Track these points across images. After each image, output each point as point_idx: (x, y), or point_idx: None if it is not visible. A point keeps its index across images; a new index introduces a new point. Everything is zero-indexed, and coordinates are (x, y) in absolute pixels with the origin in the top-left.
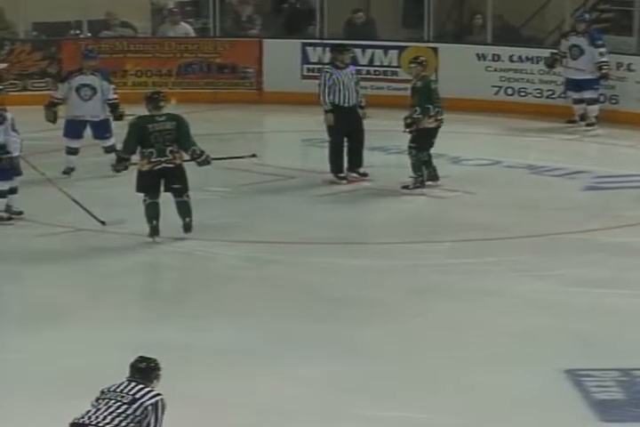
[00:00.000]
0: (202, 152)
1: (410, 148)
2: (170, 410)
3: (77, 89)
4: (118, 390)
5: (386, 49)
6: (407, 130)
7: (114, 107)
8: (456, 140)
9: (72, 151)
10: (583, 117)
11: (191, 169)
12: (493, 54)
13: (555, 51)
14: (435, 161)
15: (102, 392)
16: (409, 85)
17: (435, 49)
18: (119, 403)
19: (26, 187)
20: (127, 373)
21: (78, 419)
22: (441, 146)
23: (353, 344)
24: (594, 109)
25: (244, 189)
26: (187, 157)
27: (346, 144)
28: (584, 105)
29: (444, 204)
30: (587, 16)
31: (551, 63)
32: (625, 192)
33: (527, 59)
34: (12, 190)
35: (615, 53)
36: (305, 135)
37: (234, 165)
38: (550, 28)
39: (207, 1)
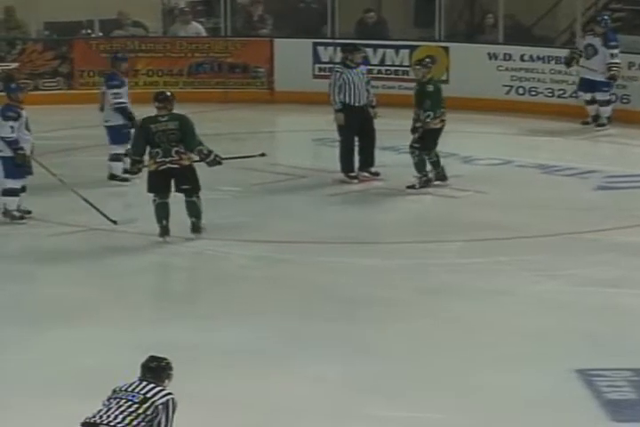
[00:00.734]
0: (209, 152)
1: (412, 147)
2: (180, 409)
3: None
4: (130, 389)
5: (397, 48)
6: (414, 135)
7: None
8: (467, 140)
9: (118, 158)
10: (595, 118)
11: (202, 168)
12: (505, 54)
13: (574, 49)
14: (446, 160)
15: (114, 391)
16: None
17: (446, 48)
18: (130, 402)
19: (36, 186)
20: (138, 372)
21: (90, 418)
22: (452, 145)
23: (364, 344)
24: (606, 111)
25: (255, 189)
26: (196, 157)
27: (357, 143)
28: (596, 106)
29: (456, 203)
30: (607, 18)
31: (569, 61)
32: (637, 192)
33: (538, 58)
34: (22, 189)
35: (627, 53)
36: (316, 135)
37: (245, 165)
38: (562, 28)
39: (218, 1)
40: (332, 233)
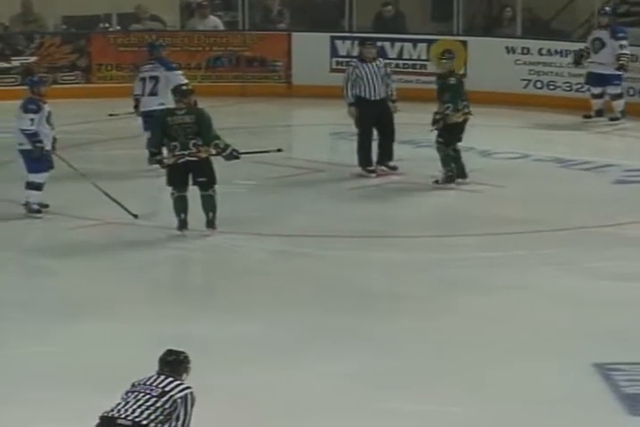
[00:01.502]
0: (226, 146)
1: (438, 142)
2: (197, 403)
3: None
4: (148, 383)
5: (415, 42)
6: (433, 127)
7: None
8: (485, 134)
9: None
10: (599, 113)
11: (219, 162)
12: (523, 47)
13: (583, 47)
14: (463, 154)
15: (133, 385)
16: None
17: (464, 42)
18: (148, 396)
19: (55, 180)
20: (157, 366)
21: (108, 412)
22: (470, 139)
23: (379, 338)
24: (619, 104)
25: (272, 183)
26: (213, 151)
27: (376, 137)
28: (602, 100)
29: (473, 197)
30: (607, 9)
31: (578, 59)
32: None
33: (556, 52)
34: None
35: None
36: (333, 128)
37: (262, 159)
38: (580, 22)
39: None
40: (349, 227)
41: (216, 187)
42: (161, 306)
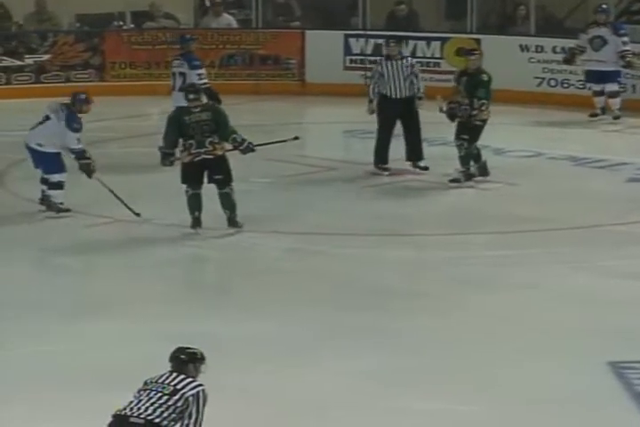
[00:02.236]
0: (243, 140)
1: (462, 140)
2: (211, 401)
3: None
4: (160, 381)
5: (429, 40)
6: (474, 121)
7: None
8: (499, 132)
9: None
10: (604, 110)
11: (233, 160)
12: (536, 45)
13: (573, 46)
14: None
15: (145, 383)
16: (451, 76)
17: (478, 40)
18: (160, 394)
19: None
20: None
21: (120, 410)
22: (484, 137)
23: (393, 337)
24: (616, 102)
25: (286, 181)
26: (229, 146)
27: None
28: (604, 97)
29: (487, 195)
30: (605, 6)
31: (570, 58)
32: None
33: (565, 52)
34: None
35: None
36: (347, 127)
37: (275, 157)
38: (593, 19)
39: None
40: (363, 225)
41: (233, 184)
42: (175, 304)
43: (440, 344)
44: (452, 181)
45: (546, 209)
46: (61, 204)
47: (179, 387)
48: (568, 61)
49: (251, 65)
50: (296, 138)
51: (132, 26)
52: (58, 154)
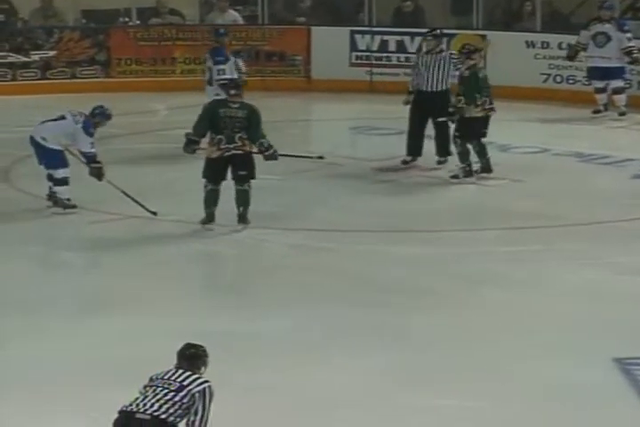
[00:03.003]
0: (270, 146)
1: (455, 137)
2: (220, 397)
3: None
4: (166, 377)
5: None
6: (448, 118)
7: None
8: (504, 128)
9: None
10: (606, 107)
11: None
12: (542, 42)
13: (574, 43)
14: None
15: (151, 379)
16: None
17: (484, 36)
18: (166, 390)
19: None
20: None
21: (126, 406)
22: (489, 134)
23: (401, 333)
24: (621, 99)
25: (293, 177)
26: (255, 149)
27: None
28: (606, 94)
29: (493, 192)
30: (609, 3)
31: (573, 55)
32: None
33: (569, 47)
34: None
35: None
36: (353, 123)
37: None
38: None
39: None
40: (370, 221)
41: (256, 183)
42: (183, 301)
43: (448, 341)
44: (452, 177)
45: (551, 205)
46: (68, 200)
47: (185, 383)
48: (570, 58)
49: (256, 61)
50: (321, 157)
51: (138, 22)
52: (60, 150)
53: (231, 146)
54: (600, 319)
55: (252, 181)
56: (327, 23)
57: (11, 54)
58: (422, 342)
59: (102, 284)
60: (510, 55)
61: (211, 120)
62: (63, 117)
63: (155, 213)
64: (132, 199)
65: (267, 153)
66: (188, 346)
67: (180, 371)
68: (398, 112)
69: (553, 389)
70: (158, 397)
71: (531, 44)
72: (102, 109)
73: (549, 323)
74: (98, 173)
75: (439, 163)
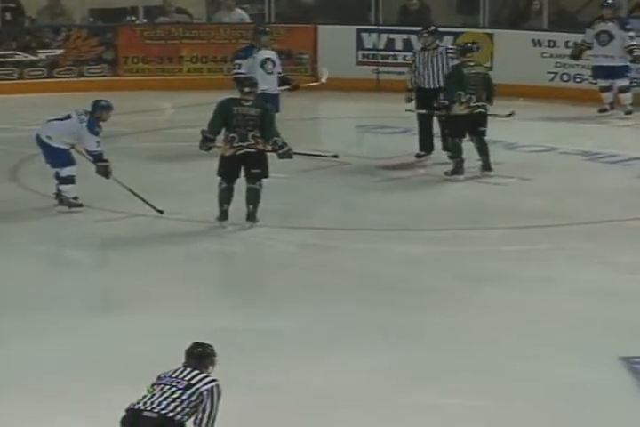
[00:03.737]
0: (284, 144)
1: (443, 133)
2: (226, 395)
3: (262, 63)
4: (174, 375)
5: (441, 35)
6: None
7: (286, 80)
8: (511, 127)
9: None
10: (612, 105)
11: None
12: (549, 40)
13: (579, 42)
14: (490, 147)
15: (159, 378)
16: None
17: (490, 35)
18: (174, 388)
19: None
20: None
21: (134, 404)
22: (496, 132)
23: (406, 331)
24: (627, 97)
25: (300, 176)
26: (269, 148)
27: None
28: (612, 93)
29: (500, 190)
30: (611, 1)
31: (578, 54)
32: None
33: (574, 46)
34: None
35: None
36: (360, 121)
37: None
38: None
39: None
40: (375, 220)
41: (264, 181)
42: (191, 299)
43: (452, 340)
44: (446, 173)
45: (558, 204)
46: (75, 198)
47: (193, 382)
48: (575, 57)
49: None
50: (335, 156)
51: (145, 21)
52: (65, 149)
53: (244, 144)
54: (606, 318)
55: (263, 179)
56: (334, 22)
57: (18, 53)
58: (426, 340)
59: (109, 282)
60: (517, 54)
61: (224, 117)
62: (69, 117)
63: (161, 212)
64: (139, 197)
65: (281, 151)
66: (197, 345)
67: (188, 369)
68: (403, 111)
69: (558, 388)
70: (166, 395)
71: (537, 43)
72: (99, 102)
73: (555, 322)
74: (105, 172)
75: (450, 158)
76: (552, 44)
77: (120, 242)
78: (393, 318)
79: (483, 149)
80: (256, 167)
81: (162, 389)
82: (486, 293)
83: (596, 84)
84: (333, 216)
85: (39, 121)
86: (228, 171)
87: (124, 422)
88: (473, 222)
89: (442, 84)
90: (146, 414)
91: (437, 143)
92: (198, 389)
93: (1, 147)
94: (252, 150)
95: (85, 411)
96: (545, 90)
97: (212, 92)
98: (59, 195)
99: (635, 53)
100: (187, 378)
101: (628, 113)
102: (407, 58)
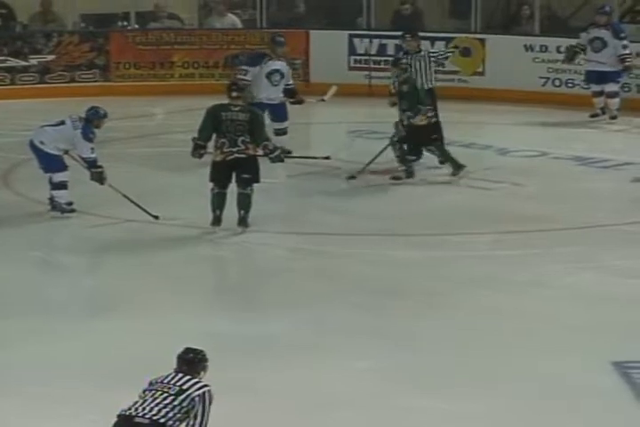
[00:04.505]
0: (275, 148)
1: (392, 140)
2: (219, 399)
3: (269, 74)
4: (166, 381)
5: (433, 40)
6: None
7: (292, 92)
8: (503, 132)
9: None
10: (604, 110)
11: None
12: (541, 45)
13: (574, 44)
14: (481, 152)
15: (150, 383)
16: (456, 77)
17: (482, 40)
18: (166, 394)
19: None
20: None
21: (125, 410)
22: (488, 137)
23: (399, 336)
24: (615, 103)
25: (291, 181)
26: (260, 152)
27: None
28: (603, 98)
29: (492, 195)
30: (607, 9)
31: (571, 57)
32: None
33: (567, 50)
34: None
35: None
36: (352, 127)
37: None
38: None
39: None
40: (367, 225)
41: (255, 186)
42: (183, 304)
43: (445, 344)
44: (393, 178)
45: (550, 209)
46: (69, 204)
47: (185, 387)
48: (569, 60)
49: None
50: (327, 158)
51: (137, 26)
52: (58, 155)
53: (234, 149)
54: (598, 323)
55: (255, 184)
56: (326, 27)
57: (10, 58)
58: (420, 344)
59: (102, 287)
60: (509, 58)
61: (213, 124)
62: (63, 122)
63: (157, 217)
64: (134, 203)
65: (272, 155)
66: (188, 350)
67: (180, 375)
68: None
69: (550, 392)
70: (157, 401)
71: (529, 48)
72: (94, 110)
73: (547, 326)
74: (99, 178)
75: (441, 163)
76: (544, 48)
77: (113, 247)
78: (385, 322)
79: (445, 155)
80: (247, 173)
81: (153, 394)
82: (478, 297)
83: (588, 88)
84: (325, 221)
85: (31, 127)
86: (219, 176)
87: None
88: (464, 227)
89: (428, 87)
90: (137, 419)
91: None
92: (190, 394)
93: None
94: (243, 156)
95: (77, 416)
96: (537, 95)
97: (203, 98)
98: (52, 200)
99: (626, 63)
100: (178, 384)
101: (613, 118)
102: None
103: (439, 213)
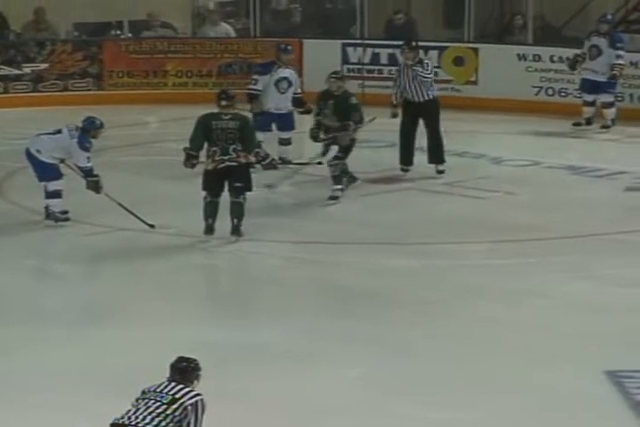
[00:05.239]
0: (266, 155)
1: (337, 158)
2: (210, 409)
3: (277, 82)
4: (158, 390)
5: (426, 49)
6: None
7: (301, 101)
8: (496, 141)
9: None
10: (589, 121)
11: None
12: (534, 55)
13: (578, 52)
14: (475, 161)
15: (143, 392)
16: (449, 86)
17: (475, 49)
18: (158, 403)
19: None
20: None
21: (118, 419)
22: (481, 146)
23: (393, 344)
24: (611, 113)
25: (285, 189)
26: (252, 159)
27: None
28: (594, 108)
29: (485, 204)
30: (609, 17)
31: (574, 64)
32: None
33: (568, 59)
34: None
35: None
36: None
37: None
38: (591, 29)
39: (247, 1)
40: (361, 233)
41: (247, 195)
42: (177, 313)
43: (441, 352)
44: (331, 198)
45: (544, 218)
46: (64, 212)
47: (177, 396)
48: (572, 67)
49: (249, 74)
50: (320, 163)
51: (130, 35)
52: (53, 163)
53: (225, 158)
54: (591, 332)
55: (247, 193)
56: (319, 36)
57: (3, 67)
58: (414, 352)
59: (96, 296)
60: (502, 68)
61: (204, 132)
62: (59, 131)
63: (152, 226)
64: (130, 212)
65: (264, 162)
66: (181, 359)
67: (173, 384)
68: (390, 125)
69: (544, 401)
70: (150, 410)
71: (522, 57)
72: (90, 120)
73: (541, 335)
74: (95, 187)
75: (439, 172)
76: (537, 58)
77: (108, 256)
78: (380, 330)
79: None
80: (239, 181)
81: (146, 403)
82: (472, 306)
83: (581, 97)
84: (319, 230)
85: (24, 135)
86: (211, 185)
87: None
88: (458, 236)
89: (430, 97)
90: None
91: (423, 157)
92: (183, 403)
93: None
94: (234, 164)
95: (71, 424)
96: (530, 104)
97: (197, 107)
98: (47, 209)
99: (613, 71)
100: (171, 393)
101: (605, 127)
102: (392, 72)
103: (433, 222)
